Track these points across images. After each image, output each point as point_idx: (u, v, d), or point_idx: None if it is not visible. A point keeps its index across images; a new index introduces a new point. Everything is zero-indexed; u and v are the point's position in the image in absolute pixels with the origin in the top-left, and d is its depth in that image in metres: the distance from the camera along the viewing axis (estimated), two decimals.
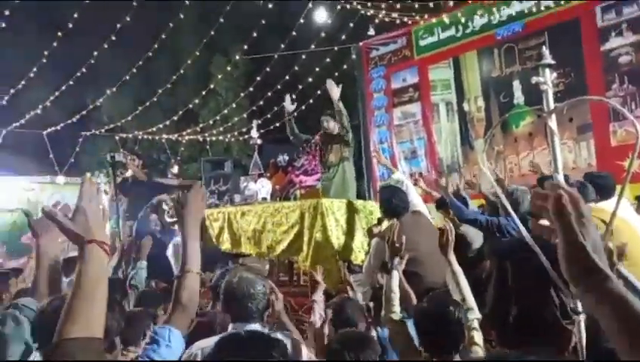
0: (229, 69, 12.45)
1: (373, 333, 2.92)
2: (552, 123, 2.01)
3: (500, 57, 7.52)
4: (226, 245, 5.17)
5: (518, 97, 7.31)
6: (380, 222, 4.06)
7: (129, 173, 7.51)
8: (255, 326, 2.13)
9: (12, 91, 8.13)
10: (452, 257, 2.52)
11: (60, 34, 7.52)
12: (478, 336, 2.16)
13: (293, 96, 5.90)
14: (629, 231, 2.98)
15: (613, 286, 0.80)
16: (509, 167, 7.32)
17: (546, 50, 1.74)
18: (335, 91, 5.22)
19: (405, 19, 8.48)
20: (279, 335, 1.92)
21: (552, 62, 1.77)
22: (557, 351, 2.64)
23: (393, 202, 3.67)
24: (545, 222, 0.93)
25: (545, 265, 2.20)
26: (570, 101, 2.03)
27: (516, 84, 7.32)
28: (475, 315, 2.21)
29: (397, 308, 2.45)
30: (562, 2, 6.83)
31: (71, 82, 8.60)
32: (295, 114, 5.70)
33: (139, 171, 7.32)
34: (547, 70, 1.85)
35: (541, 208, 0.90)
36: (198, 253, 1.64)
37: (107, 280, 1.15)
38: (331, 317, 2.94)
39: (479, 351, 2.10)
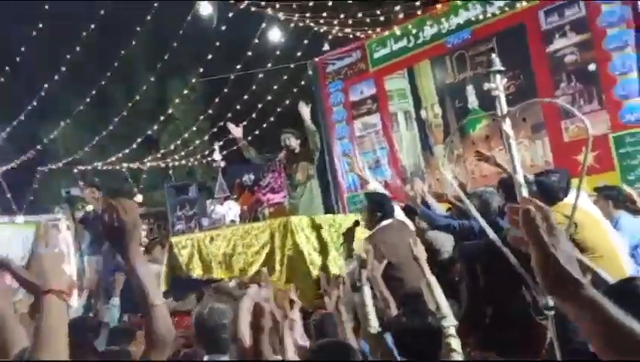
0: (185, 92, 12.34)
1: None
2: (507, 126, 2.08)
3: (452, 64, 7.74)
4: (197, 272, 5.07)
5: (473, 101, 7.52)
6: (357, 224, 4.08)
7: (90, 207, 7.31)
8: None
9: None
10: (425, 266, 2.57)
11: (7, 68, 7.30)
12: (455, 343, 2.19)
13: (244, 123, 5.93)
14: (592, 223, 3.07)
15: (587, 292, 0.81)
16: (470, 169, 7.50)
17: (495, 57, 1.81)
18: (306, 112, 5.28)
19: (358, 33, 8.63)
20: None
21: (502, 68, 1.85)
22: (534, 348, 2.71)
23: (385, 206, 3.74)
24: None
25: (514, 264, 2.25)
26: (522, 105, 2.11)
27: (470, 89, 7.53)
28: (450, 322, 2.24)
29: (373, 321, 2.46)
30: (507, 9, 7.11)
31: (22, 117, 8.35)
32: (249, 138, 5.70)
33: (98, 203, 7.14)
34: (498, 76, 1.92)
35: (516, 222, 0.93)
36: (154, 282, 1.45)
37: (67, 329, 1.09)
38: (313, 334, 2.93)
39: (457, 358, 2.13)
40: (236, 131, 5.69)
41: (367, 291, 2.60)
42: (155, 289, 1.42)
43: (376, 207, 3.81)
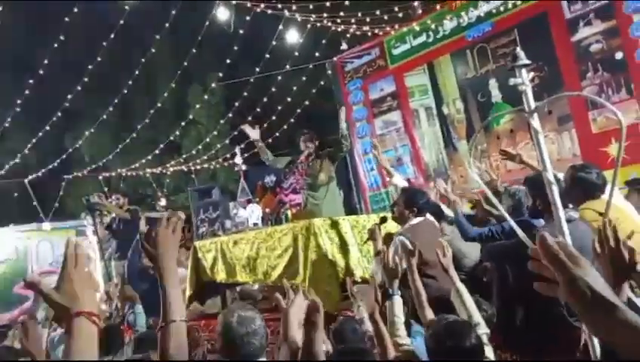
0: (206, 97, 12.42)
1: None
2: (535, 122, 2.00)
3: (474, 58, 7.60)
4: (220, 276, 5.05)
5: (496, 95, 7.37)
6: (383, 221, 3.98)
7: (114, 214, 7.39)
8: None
9: None
10: (454, 273, 2.51)
11: (31, 81, 7.44)
12: (488, 350, 2.11)
13: (263, 125, 5.92)
14: (628, 221, 2.94)
15: (625, 315, 0.74)
16: (494, 165, 7.35)
17: (520, 51, 1.74)
18: (343, 116, 5.26)
19: (376, 30, 8.56)
20: None
21: (528, 62, 1.77)
22: (567, 351, 2.61)
23: (422, 202, 3.63)
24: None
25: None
26: (549, 99, 2.04)
27: (492, 83, 7.39)
28: (483, 330, 2.17)
29: (401, 332, 2.40)
30: None
31: (47, 127, 8.50)
32: (270, 140, 5.66)
33: (120, 210, 7.20)
34: (523, 70, 1.84)
35: (540, 267, 0.88)
36: (179, 298, 1.49)
37: (97, 352, 1.07)
38: (332, 340, 2.88)
39: None
40: (253, 133, 5.54)
41: (397, 300, 2.52)
42: (179, 306, 1.45)
43: (413, 202, 3.69)
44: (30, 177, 9.18)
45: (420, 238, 3.41)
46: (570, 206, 2.84)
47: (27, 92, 7.65)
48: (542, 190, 2.27)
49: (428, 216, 3.75)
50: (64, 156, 9.77)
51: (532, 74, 1.95)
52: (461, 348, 1.93)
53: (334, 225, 4.29)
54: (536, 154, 2.22)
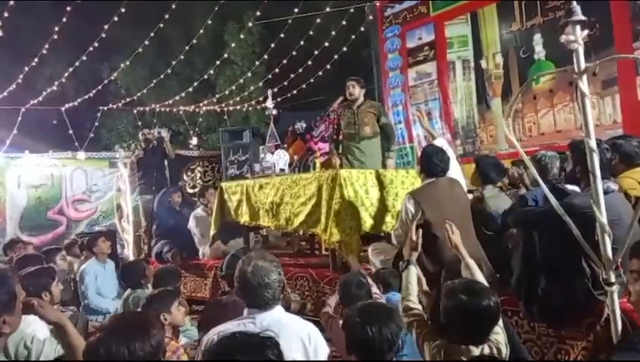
0: (242, 36, 12.23)
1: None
2: (583, 84, 1.88)
3: (521, 9, 7.17)
4: (244, 218, 5.12)
5: (539, 52, 6.98)
6: None
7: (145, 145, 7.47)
8: (275, 311, 2.09)
9: (26, 69, 8.11)
10: (463, 250, 2.58)
11: (68, 8, 7.40)
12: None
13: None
14: None
15: None
16: (527, 126, 7.09)
17: (576, 6, 1.61)
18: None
19: None
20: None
21: (584, 18, 1.64)
22: (587, 324, 2.58)
23: (433, 160, 3.49)
24: None
25: (575, 234, 2.08)
26: (602, 60, 1.90)
27: (537, 38, 6.99)
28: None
29: (413, 298, 2.41)
30: None
31: (84, 57, 8.53)
32: (304, 86, 5.57)
33: (171, 148, 7.31)
34: (577, 27, 1.71)
35: None
36: None
37: None
38: (339, 295, 2.95)
39: (499, 338, 2.03)
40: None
41: (413, 269, 2.53)
42: None
43: (423, 160, 3.60)
44: (67, 105, 9.32)
45: (427, 199, 3.36)
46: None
47: (65, 20, 7.63)
48: (583, 157, 2.17)
49: (449, 175, 3.61)
50: (100, 87, 9.85)
51: (586, 31, 1.80)
52: (479, 307, 1.93)
53: (361, 177, 4.24)
54: (579, 117, 2.11)
